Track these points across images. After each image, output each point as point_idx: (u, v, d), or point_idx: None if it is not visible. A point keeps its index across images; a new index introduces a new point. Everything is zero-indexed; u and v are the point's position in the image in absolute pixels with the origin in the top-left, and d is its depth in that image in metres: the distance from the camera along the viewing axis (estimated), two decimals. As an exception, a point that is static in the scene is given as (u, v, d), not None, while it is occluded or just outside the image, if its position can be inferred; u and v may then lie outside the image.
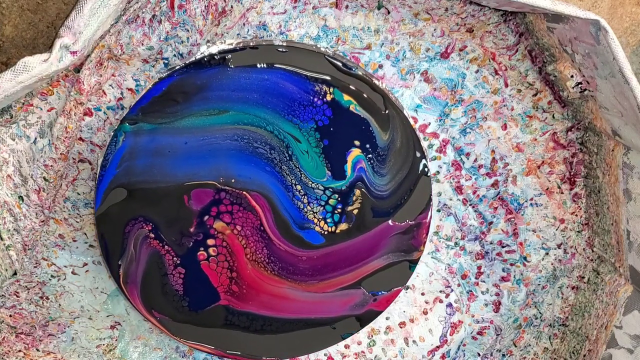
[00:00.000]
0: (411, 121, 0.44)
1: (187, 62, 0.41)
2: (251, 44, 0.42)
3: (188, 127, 0.42)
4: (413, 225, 0.45)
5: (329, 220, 0.44)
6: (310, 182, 0.43)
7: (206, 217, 0.43)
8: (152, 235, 0.43)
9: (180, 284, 0.44)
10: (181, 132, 0.42)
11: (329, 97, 0.42)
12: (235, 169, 0.43)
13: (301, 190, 0.43)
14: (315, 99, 0.42)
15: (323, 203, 0.44)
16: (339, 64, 0.42)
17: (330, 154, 0.43)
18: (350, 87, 0.42)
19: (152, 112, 0.42)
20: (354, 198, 0.44)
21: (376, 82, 0.43)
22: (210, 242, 0.44)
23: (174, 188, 0.42)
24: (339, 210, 0.44)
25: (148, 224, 0.43)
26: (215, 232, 0.44)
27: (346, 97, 0.42)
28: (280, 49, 0.42)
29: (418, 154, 0.44)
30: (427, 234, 0.45)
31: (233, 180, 0.43)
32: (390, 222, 0.45)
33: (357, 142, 0.43)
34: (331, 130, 0.43)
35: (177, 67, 0.41)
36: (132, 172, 0.42)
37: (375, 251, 0.45)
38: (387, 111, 0.43)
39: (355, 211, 0.44)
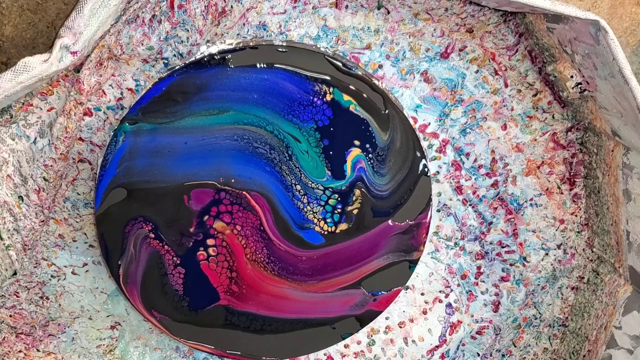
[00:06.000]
0: (411, 121, 0.44)
1: (187, 62, 0.41)
2: (251, 44, 0.42)
3: (188, 127, 0.42)
4: (413, 225, 0.45)
5: (328, 220, 0.44)
6: (310, 182, 0.43)
7: (206, 217, 0.43)
8: (152, 235, 0.43)
9: (180, 283, 0.44)
10: (181, 132, 0.42)
11: (328, 97, 0.42)
12: (235, 169, 0.43)
13: (301, 190, 0.43)
14: (315, 99, 0.42)
15: (323, 203, 0.44)
16: (339, 64, 0.42)
17: (330, 154, 0.43)
18: (350, 87, 0.42)
19: (152, 112, 0.42)
20: (354, 198, 0.44)
21: (376, 82, 0.43)
22: (210, 242, 0.44)
23: (173, 188, 0.42)
24: (339, 210, 0.44)
25: (148, 224, 0.43)
26: (215, 232, 0.44)
27: (346, 97, 0.42)
28: (280, 49, 0.42)
29: (418, 154, 0.44)
30: (427, 234, 0.45)
31: (233, 180, 0.43)
32: (390, 222, 0.45)
33: (357, 142, 0.43)
34: (331, 130, 0.43)
35: (177, 67, 0.41)
36: (132, 172, 0.42)
37: (375, 251, 0.45)
38: (386, 111, 0.43)
39: (355, 211, 0.44)
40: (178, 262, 0.44)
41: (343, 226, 0.44)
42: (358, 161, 0.43)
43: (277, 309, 0.45)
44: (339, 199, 0.44)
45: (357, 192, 0.44)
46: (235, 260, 0.44)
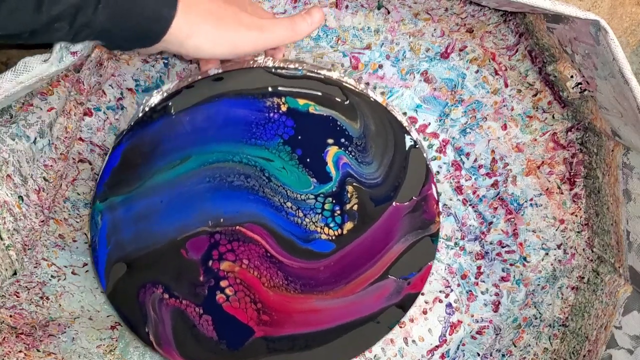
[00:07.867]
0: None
1: (131, 123, 0.40)
2: (186, 83, 0.40)
3: (158, 185, 0.40)
4: (420, 200, 0.43)
5: (332, 225, 0.43)
6: (299, 195, 0.42)
7: (210, 262, 0.42)
8: (166, 296, 0.42)
9: (212, 329, 0.43)
10: (153, 192, 0.41)
11: (284, 108, 0.40)
12: (219, 209, 0.41)
13: (292, 206, 0.42)
14: (271, 114, 0.40)
15: (319, 210, 0.43)
16: (281, 71, 0.40)
17: (308, 162, 0.41)
18: (301, 90, 0.40)
19: (117, 184, 0.40)
20: (349, 195, 0.43)
21: (326, 73, 0.40)
22: (223, 283, 0.43)
23: (168, 246, 0.42)
24: (338, 212, 0.43)
25: (158, 287, 0.42)
26: (225, 273, 0.43)
27: (301, 102, 0.40)
28: (214, 79, 0.39)
29: (398, 131, 0.42)
30: (437, 204, 0.43)
31: (222, 220, 0.41)
32: (394, 204, 0.43)
33: (330, 141, 0.41)
34: (299, 139, 0.41)
35: (123, 132, 0.40)
36: (123, 245, 0.41)
37: (391, 238, 0.44)
38: (348, 100, 0.41)
39: (355, 207, 0.43)
40: (201, 311, 0.43)
41: (349, 225, 0.43)
42: (339, 158, 0.42)
43: (314, 323, 0.45)
44: (333, 201, 0.43)
45: (350, 188, 0.42)
46: (255, 292, 0.43)
